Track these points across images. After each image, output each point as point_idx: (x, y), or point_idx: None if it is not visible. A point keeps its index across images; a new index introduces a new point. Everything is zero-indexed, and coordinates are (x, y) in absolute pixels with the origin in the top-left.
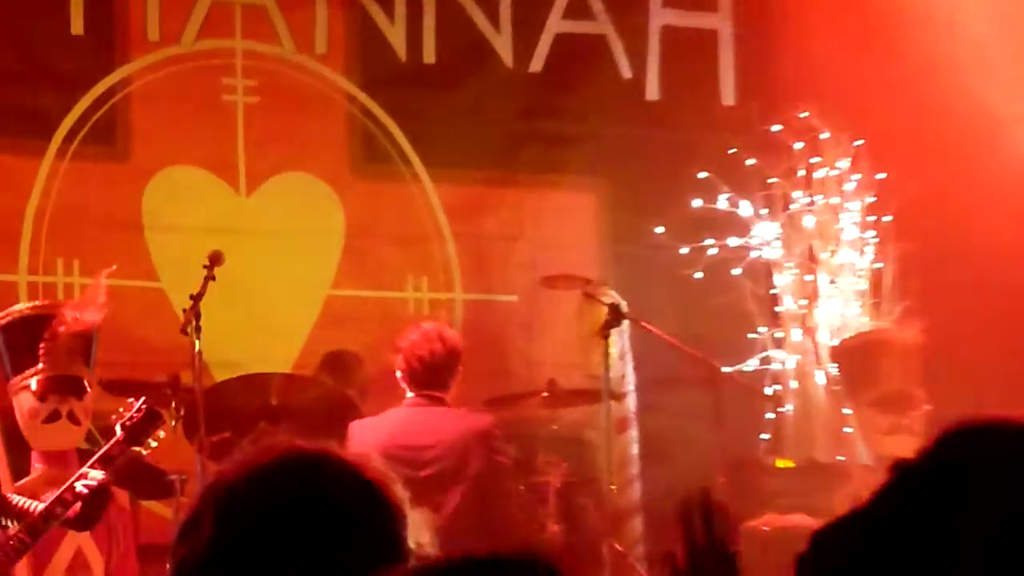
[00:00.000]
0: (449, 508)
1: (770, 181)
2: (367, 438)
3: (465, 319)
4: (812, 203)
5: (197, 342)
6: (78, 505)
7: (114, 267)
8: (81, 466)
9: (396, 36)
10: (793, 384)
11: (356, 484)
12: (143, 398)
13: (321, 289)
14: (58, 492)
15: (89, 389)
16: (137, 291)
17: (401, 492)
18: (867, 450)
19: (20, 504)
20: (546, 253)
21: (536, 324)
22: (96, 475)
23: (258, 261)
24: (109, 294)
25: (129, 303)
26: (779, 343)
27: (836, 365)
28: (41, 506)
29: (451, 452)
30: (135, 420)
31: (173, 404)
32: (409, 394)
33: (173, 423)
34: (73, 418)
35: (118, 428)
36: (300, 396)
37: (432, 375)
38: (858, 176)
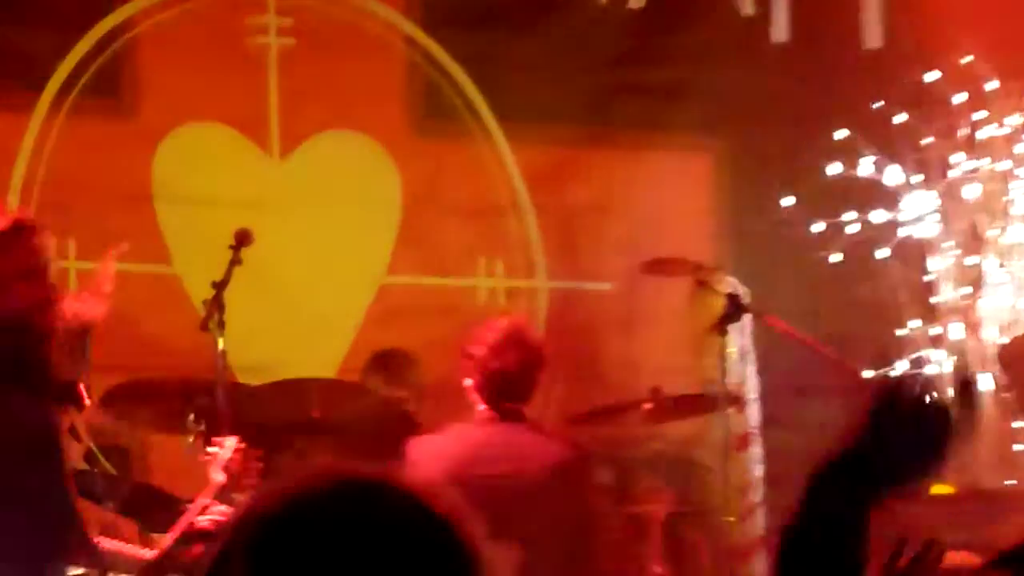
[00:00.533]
0: (532, 551)
1: (924, 142)
2: (429, 461)
3: (549, 312)
4: (976, 169)
5: (220, 340)
6: (199, 546)
7: (124, 247)
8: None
9: None
10: (951, 392)
11: (424, 521)
12: (235, 437)
13: (372, 276)
14: (176, 530)
15: (88, 400)
16: (146, 277)
17: (478, 532)
18: None
19: (116, 548)
20: (648, 231)
21: (636, 319)
22: (221, 508)
23: (295, 241)
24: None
25: (136, 292)
26: (935, 341)
27: (1005, 368)
28: (147, 551)
29: (534, 485)
30: (234, 462)
31: (191, 417)
32: (480, 406)
33: (191, 440)
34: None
35: (217, 472)
36: (347, 407)
37: (510, 386)
38: None
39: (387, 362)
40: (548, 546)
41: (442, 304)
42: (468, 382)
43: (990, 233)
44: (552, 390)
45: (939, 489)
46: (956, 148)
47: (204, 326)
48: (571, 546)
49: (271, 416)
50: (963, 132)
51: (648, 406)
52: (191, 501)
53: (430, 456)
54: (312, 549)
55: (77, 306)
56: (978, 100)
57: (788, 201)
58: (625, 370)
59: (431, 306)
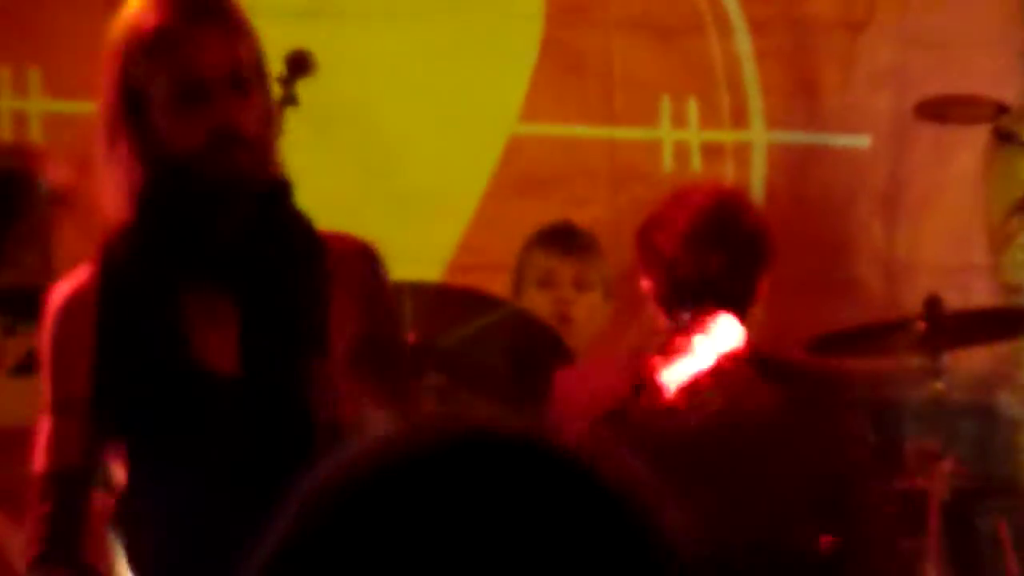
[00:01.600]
0: (748, 533)
1: None
2: (593, 405)
3: (770, 182)
4: None
5: None
6: None
7: None
8: None
9: None
10: None
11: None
12: None
13: (498, 122)
14: None
15: None
16: None
17: (680, 520)
18: None
19: None
20: (924, 56)
21: (905, 191)
22: None
23: (376, 68)
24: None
25: None
26: None
27: None
28: None
29: (766, 437)
30: None
31: None
32: (668, 323)
33: None
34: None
35: None
36: (462, 325)
37: (713, 294)
38: None
39: (560, 242)
40: (779, 527)
41: (605, 166)
42: (648, 287)
43: None
44: (775, 297)
45: None
46: None
47: None
48: (807, 531)
49: None
50: None
51: (922, 326)
52: None
53: (593, 396)
54: (412, 548)
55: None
56: None
57: None
58: (886, 271)
59: (587, 169)
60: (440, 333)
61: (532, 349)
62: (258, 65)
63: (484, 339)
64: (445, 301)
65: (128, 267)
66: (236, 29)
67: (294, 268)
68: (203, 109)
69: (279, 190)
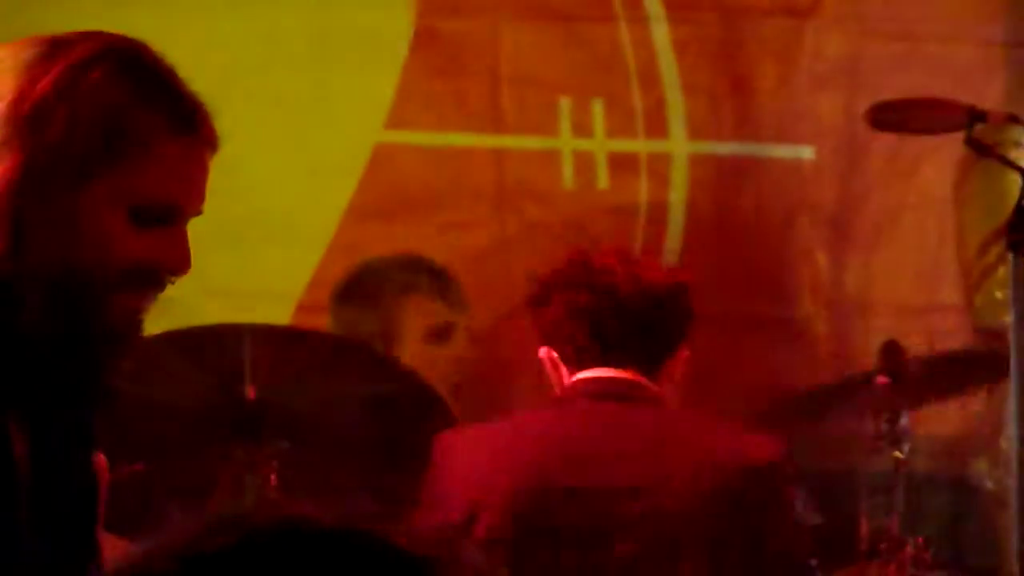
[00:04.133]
0: None
1: None
2: (487, 477)
3: (694, 199)
4: None
5: None
6: None
7: None
8: None
9: None
10: None
11: None
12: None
13: (362, 130)
14: None
15: None
16: None
17: None
18: None
19: None
20: (882, 50)
21: (857, 213)
22: None
23: (209, 62)
24: None
25: None
26: None
27: None
28: None
29: (675, 510)
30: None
31: None
32: (580, 374)
33: None
34: None
35: None
36: (315, 379)
37: (616, 340)
38: None
39: (394, 279)
40: None
41: (491, 182)
42: (543, 351)
43: None
44: (703, 345)
45: None
46: None
47: None
48: None
49: (177, 396)
50: None
51: (882, 380)
52: None
53: (486, 465)
54: None
55: None
56: None
57: None
58: (834, 311)
59: (470, 186)
60: (287, 388)
61: (405, 408)
62: None
63: (342, 396)
64: (293, 348)
65: None
66: None
67: None
68: None
69: None
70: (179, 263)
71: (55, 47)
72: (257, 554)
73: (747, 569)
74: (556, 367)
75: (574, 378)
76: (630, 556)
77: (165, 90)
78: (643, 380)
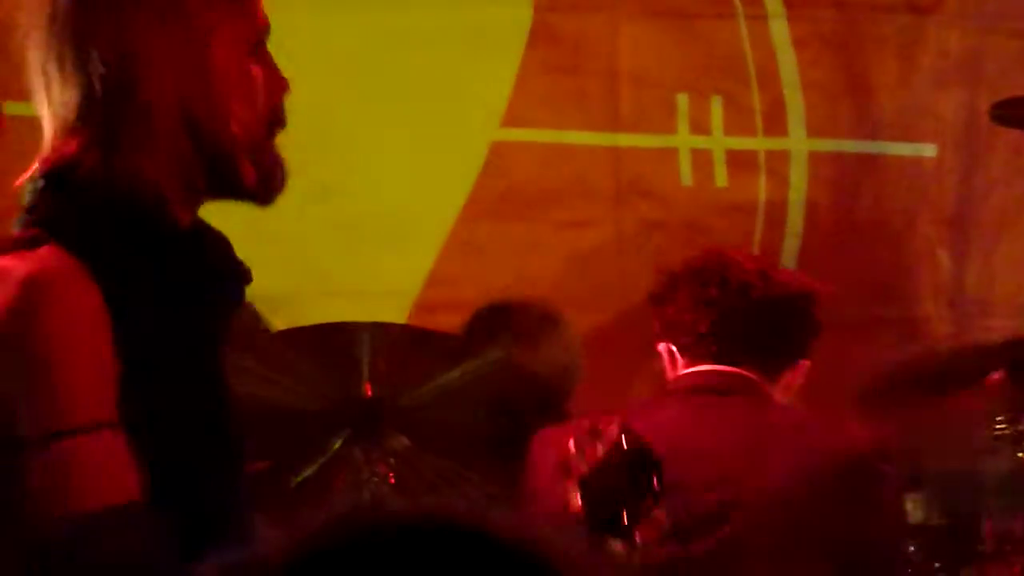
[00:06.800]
0: None
1: None
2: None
3: (813, 198)
4: None
5: None
6: None
7: None
8: None
9: None
10: None
11: None
12: None
13: (479, 128)
14: None
15: None
16: None
17: None
18: None
19: None
20: (1004, 47)
21: (978, 211)
22: None
23: (326, 63)
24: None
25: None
26: None
27: None
28: None
29: (775, 503)
30: None
31: None
32: (691, 368)
33: None
34: None
35: None
36: (431, 377)
37: (738, 336)
38: None
39: (504, 320)
40: None
41: (609, 181)
42: (661, 346)
43: None
44: (821, 344)
45: None
46: None
47: None
48: None
49: (292, 397)
50: None
51: (996, 376)
52: None
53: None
54: None
55: None
56: None
57: None
58: (955, 308)
59: (587, 184)
60: (403, 386)
61: (517, 406)
62: None
63: (457, 394)
64: (410, 347)
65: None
66: None
67: None
68: None
69: None
70: (285, 83)
71: None
72: (378, 551)
73: (840, 560)
74: (673, 361)
75: (682, 372)
76: (727, 547)
77: None
78: (755, 377)
